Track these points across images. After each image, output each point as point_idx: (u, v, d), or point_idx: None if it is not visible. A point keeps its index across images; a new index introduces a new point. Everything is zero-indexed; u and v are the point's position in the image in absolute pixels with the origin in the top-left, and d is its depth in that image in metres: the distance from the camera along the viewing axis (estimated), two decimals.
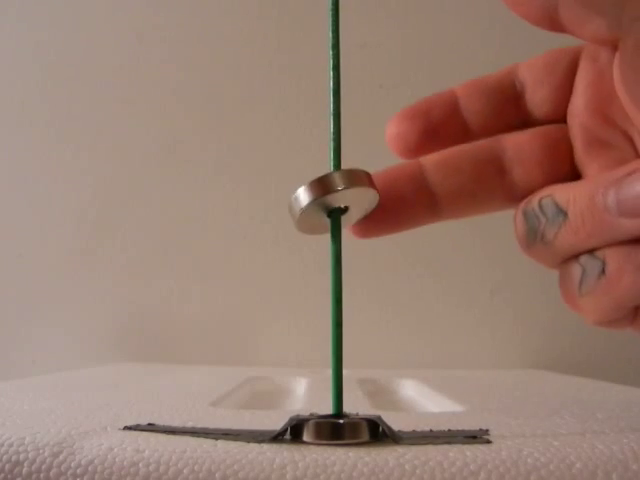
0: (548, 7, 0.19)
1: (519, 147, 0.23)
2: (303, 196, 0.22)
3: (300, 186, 0.22)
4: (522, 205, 0.21)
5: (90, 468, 0.21)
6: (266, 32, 0.73)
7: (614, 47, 0.19)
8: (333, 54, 0.23)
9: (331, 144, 0.24)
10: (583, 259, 0.19)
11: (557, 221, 0.19)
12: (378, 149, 0.71)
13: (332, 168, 0.23)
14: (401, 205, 0.23)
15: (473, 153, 0.23)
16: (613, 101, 0.20)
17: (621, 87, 0.19)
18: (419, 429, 0.25)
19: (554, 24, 0.20)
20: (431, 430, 0.25)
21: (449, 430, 0.25)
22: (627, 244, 0.18)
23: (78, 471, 0.21)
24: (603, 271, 0.19)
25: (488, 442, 0.22)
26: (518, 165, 0.22)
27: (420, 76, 0.71)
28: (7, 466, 0.21)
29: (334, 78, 0.24)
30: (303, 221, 0.23)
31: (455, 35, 0.72)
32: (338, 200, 0.23)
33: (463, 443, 0.22)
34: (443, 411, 0.35)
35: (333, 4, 0.23)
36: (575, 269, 0.20)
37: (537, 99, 0.23)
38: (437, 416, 0.31)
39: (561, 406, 0.33)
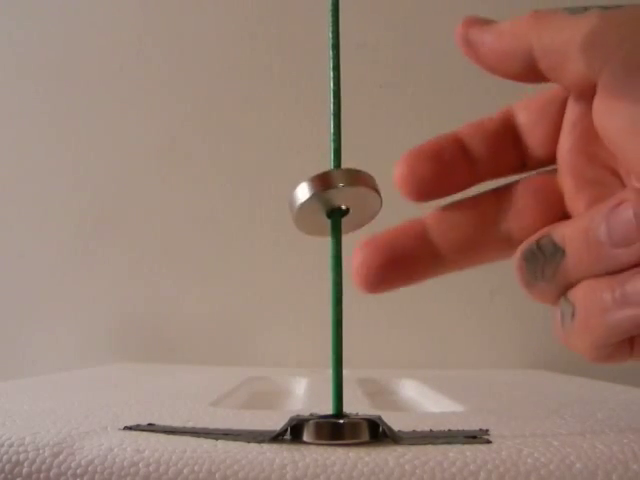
0: (529, 60, 0.20)
1: (511, 199, 0.23)
2: (302, 191, 0.22)
3: (300, 182, 0.22)
4: (521, 247, 0.21)
5: (90, 468, 0.21)
6: (266, 32, 0.73)
7: (593, 91, 0.19)
8: (333, 54, 0.23)
9: (331, 144, 0.23)
10: (561, 301, 0.20)
11: (555, 258, 0.19)
12: (378, 149, 0.71)
13: (333, 168, 0.23)
14: (407, 261, 0.23)
15: (470, 207, 0.23)
16: (598, 140, 0.20)
17: (599, 128, 0.19)
18: (419, 429, 0.25)
19: (536, 75, 0.20)
20: (431, 430, 0.25)
21: (449, 430, 0.25)
22: (594, 284, 0.18)
23: (78, 471, 0.21)
24: (573, 314, 0.19)
25: (488, 442, 0.22)
26: (513, 217, 0.23)
27: (420, 76, 0.71)
28: (7, 466, 0.21)
29: (334, 78, 0.23)
30: (302, 218, 0.23)
31: (455, 35, 0.71)
32: (338, 199, 0.23)
33: (463, 443, 0.22)
34: (443, 411, 0.35)
35: (333, 4, 0.23)
36: (556, 311, 0.20)
37: (534, 141, 0.23)
38: (437, 416, 0.31)
39: (561, 406, 0.33)
